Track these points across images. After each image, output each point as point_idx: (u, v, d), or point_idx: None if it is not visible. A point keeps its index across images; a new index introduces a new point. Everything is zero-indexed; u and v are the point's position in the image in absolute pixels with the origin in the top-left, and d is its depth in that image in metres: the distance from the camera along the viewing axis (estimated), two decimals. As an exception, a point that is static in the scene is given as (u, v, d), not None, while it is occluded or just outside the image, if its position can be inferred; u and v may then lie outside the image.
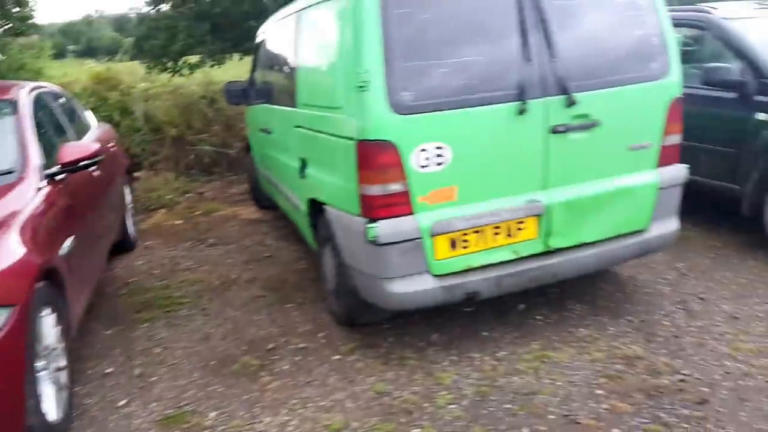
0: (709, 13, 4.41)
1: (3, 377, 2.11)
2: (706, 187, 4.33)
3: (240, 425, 2.55)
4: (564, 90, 2.78)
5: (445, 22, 2.69)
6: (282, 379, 2.88)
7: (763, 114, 3.84)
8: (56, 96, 4.39)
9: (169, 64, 9.02)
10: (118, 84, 7.92)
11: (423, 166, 2.64)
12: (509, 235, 2.86)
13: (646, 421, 2.36)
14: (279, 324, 3.45)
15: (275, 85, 4.39)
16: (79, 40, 52.46)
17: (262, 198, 5.70)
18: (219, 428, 2.54)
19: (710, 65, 4.08)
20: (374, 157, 2.62)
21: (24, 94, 3.59)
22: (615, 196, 3.00)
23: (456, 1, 2.70)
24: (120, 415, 2.69)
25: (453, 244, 2.76)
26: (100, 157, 3.34)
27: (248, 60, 6.60)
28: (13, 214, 2.58)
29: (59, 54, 20.08)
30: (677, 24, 4.65)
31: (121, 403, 2.78)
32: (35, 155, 3.09)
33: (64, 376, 2.61)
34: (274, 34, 4.51)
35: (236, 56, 9.25)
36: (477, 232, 2.79)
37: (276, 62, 4.43)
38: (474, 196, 2.76)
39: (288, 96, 3.82)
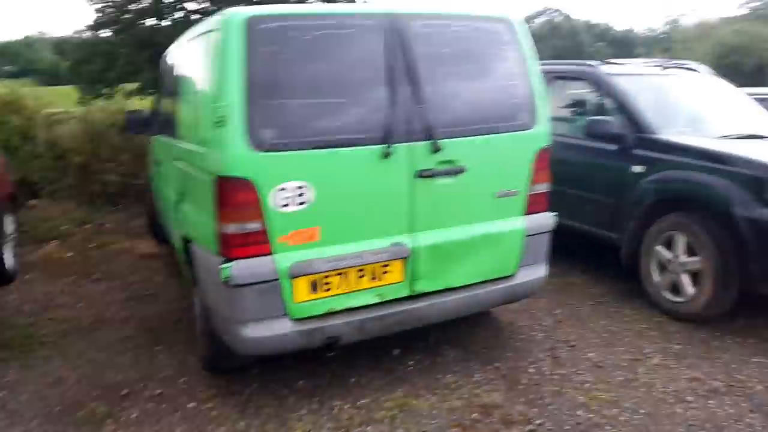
0: (594, 67, 4.64)
1: None
2: (590, 235, 4.48)
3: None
4: (430, 135, 2.81)
5: (312, 63, 2.67)
6: (127, 428, 2.69)
7: (638, 167, 4.02)
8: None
9: (105, 90, 8.72)
10: (20, 108, 7.55)
11: (283, 206, 2.58)
12: (374, 278, 2.81)
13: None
14: (142, 367, 3.25)
15: (166, 115, 4.28)
16: (16, 61, 50.35)
17: (160, 232, 5.49)
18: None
19: (593, 118, 4.27)
20: (231, 194, 2.54)
21: None
22: (482, 242, 3.03)
23: (325, 43, 2.70)
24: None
25: (314, 287, 2.68)
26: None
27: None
28: None
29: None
30: (565, 77, 4.92)
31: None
32: None
33: None
34: (168, 63, 4.42)
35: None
36: (340, 274, 2.73)
37: (167, 92, 4.33)
38: (337, 238, 2.71)
39: (172, 127, 3.72)
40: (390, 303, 2.87)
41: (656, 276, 3.91)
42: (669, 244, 3.81)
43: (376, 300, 2.84)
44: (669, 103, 4.50)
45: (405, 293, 2.90)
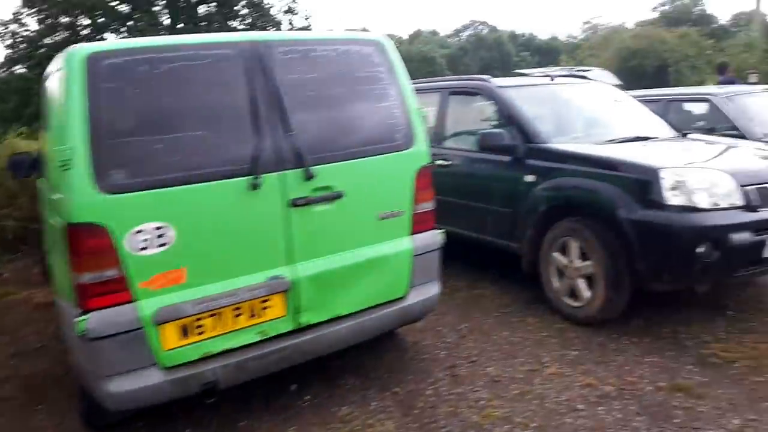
0: (486, 81, 4.69)
1: None
2: (493, 246, 4.50)
3: None
4: (301, 163, 2.73)
5: (166, 97, 2.55)
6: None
7: (530, 176, 4.07)
8: None
9: (23, 129, 8.23)
10: None
11: (141, 249, 2.43)
12: (253, 316, 2.69)
13: None
14: (16, 431, 3.00)
15: (42, 156, 4.03)
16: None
17: (57, 278, 5.17)
18: None
19: (485, 131, 4.30)
20: (82, 241, 2.37)
21: None
22: (368, 266, 2.96)
23: (179, 75, 2.58)
24: None
25: (185, 332, 2.53)
26: None
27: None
28: None
29: None
30: (461, 92, 4.97)
31: None
32: None
33: None
34: (41, 100, 4.18)
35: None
36: (214, 315, 2.59)
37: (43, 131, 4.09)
38: (207, 277, 2.58)
39: (44, 169, 3.49)
40: (273, 339, 2.75)
41: (556, 282, 3.95)
42: (564, 250, 3.86)
43: (258, 338, 2.71)
44: (558, 112, 4.61)
45: (289, 327, 2.79)
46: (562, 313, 3.90)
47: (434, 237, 3.21)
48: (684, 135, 4.61)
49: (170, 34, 16.76)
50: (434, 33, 51.28)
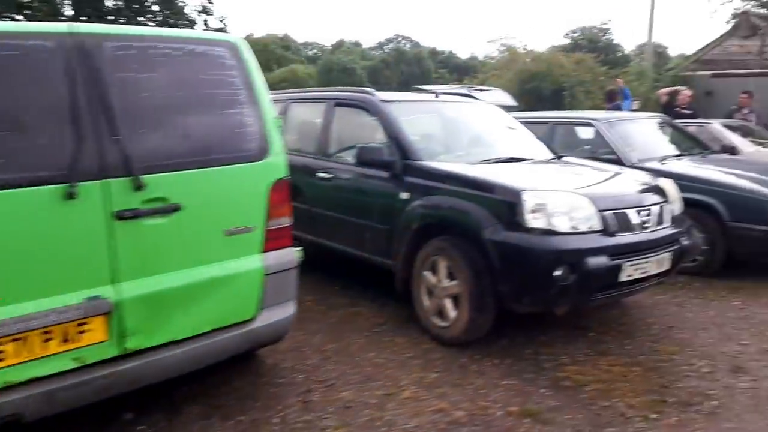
0: (370, 94, 4.60)
1: None
2: (371, 263, 4.39)
3: None
4: (130, 171, 2.48)
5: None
6: None
7: (405, 193, 4.00)
8: None
9: None
10: None
11: (-77, 264, 2.10)
12: (67, 341, 2.39)
13: None
14: None
15: None
16: None
17: None
18: None
19: (364, 145, 4.20)
20: None
21: None
22: (210, 286, 2.74)
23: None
24: None
25: (-22, 359, 2.21)
26: None
27: None
28: None
29: None
30: (346, 104, 4.85)
31: None
32: None
33: None
34: None
35: None
36: (17, 340, 2.28)
37: None
38: (9, 298, 2.26)
39: None
40: (93, 367, 2.47)
41: (426, 301, 3.88)
42: (435, 269, 3.80)
43: (73, 365, 2.42)
44: (438, 129, 4.59)
45: (113, 353, 2.52)
46: (431, 333, 3.83)
47: (290, 255, 3.03)
48: (559, 158, 4.71)
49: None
50: (357, 44, 51.45)
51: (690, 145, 6.65)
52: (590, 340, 3.82)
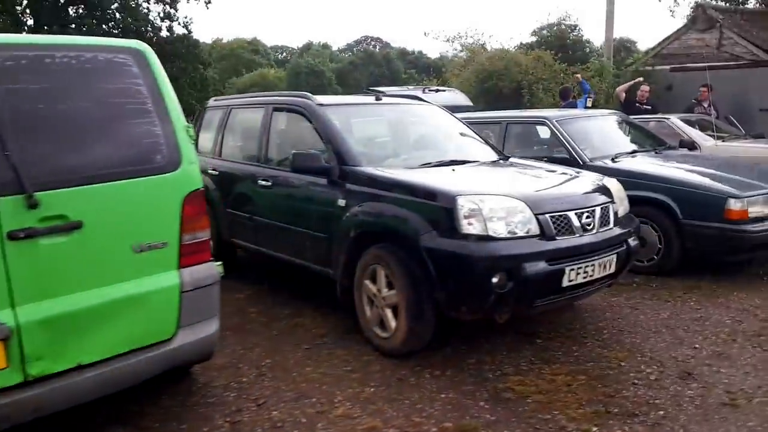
0: (307, 99, 4.46)
1: None
2: (312, 272, 4.26)
3: None
4: (22, 188, 2.31)
5: None
6: None
7: (343, 200, 3.87)
8: None
9: None
10: None
11: None
12: (-44, 371, 2.23)
13: None
14: None
15: None
16: None
17: None
18: None
19: (299, 151, 4.05)
20: None
21: None
22: (120, 306, 2.58)
23: None
24: None
25: None
26: None
27: None
28: None
29: None
30: (283, 109, 4.71)
31: None
32: None
33: None
34: None
35: None
36: None
37: None
38: None
39: None
40: (-10, 396, 2.30)
41: (368, 311, 3.76)
42: (375, 278, 3.68)
43: (-33, 395, 2.25)
44: (378, 133, 4.47)
45: (16, 380, 2.35)
46: (373, 343, 3.71)
47: (209, 270, 2.88)
48: (506, 159, 4.63)
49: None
50: (326, 46, 51.15)
51: (646, 141, 6.63)
52: (536, 347, 3.73)
